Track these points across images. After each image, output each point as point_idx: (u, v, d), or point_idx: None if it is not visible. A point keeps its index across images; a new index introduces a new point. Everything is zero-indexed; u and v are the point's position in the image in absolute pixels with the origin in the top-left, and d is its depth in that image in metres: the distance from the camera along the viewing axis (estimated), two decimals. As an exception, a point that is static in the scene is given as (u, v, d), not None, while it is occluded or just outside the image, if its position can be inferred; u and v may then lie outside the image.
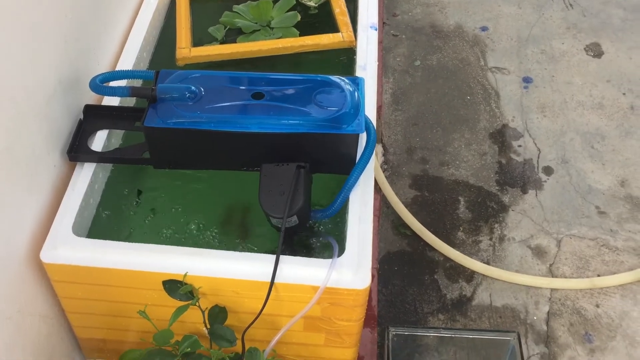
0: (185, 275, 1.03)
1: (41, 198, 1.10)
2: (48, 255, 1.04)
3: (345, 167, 1.16)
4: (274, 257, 1.05)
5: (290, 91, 1.15)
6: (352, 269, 1.06)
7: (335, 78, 1.18)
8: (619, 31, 2.37)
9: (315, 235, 1.17)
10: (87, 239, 1.07)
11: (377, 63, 1.43)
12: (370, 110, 1.25)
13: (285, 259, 1.05)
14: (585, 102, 2.12)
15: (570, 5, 2.48)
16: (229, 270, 1.05)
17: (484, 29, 2.39)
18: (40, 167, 1.09)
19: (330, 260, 1.06)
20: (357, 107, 1.14)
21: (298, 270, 1.05)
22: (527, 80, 2.20)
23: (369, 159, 1.17)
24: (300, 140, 1.11)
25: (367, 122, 1.17)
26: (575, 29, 2.38)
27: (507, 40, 2.34)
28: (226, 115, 1.11)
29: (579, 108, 2.10)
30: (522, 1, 2.51)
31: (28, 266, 1.07)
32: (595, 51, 2.30)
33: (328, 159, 1.15)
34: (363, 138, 1.19)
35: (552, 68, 2.23)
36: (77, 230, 1.08)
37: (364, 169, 1.16)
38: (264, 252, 1.08)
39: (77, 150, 1.17)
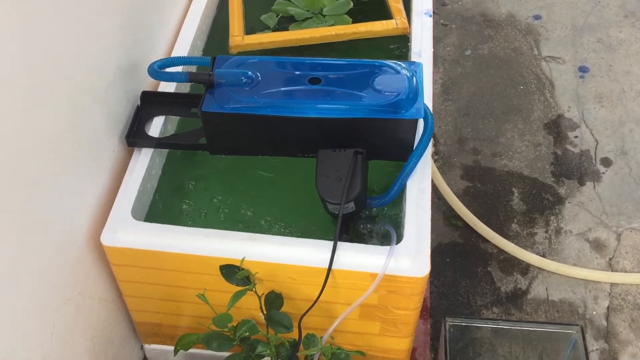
0: (242, 260, 1.03)
1: (101, 182, 1.11)
2: (108, 238, 1.05)
3: (402, 153, 1.14)
4: (331, 243, 1.03)
5: (348, 76, 1.14)
6: (410, 257, 1.04)
7: (392, 63, 1.16)
8: (681, 18, 2.27)
9: (371, 222, 1.15)
10: (146, 222, 1.08)
11: (432, 50, 1.41)
12: (427, 96, 1.23)
13: (342, 245, 1.04)
14: (645, 91, 2.04)
15: (628, -8, 2.39)
16: (286, 256, 1.04)
17: (537, 17, 2.33)
18: (100, 152, 1.11)
19: (388, 247, 1.04)
20: (416, 92, 1.12)
21: (355, 257, 1.04)
22: (583, 69, 2.13)
23: (427, 146, 1.15)
24: (358, 126, 1.09)
25: (425, 108, 1.15)
26: (633, 17, 2.30)
27: (561, 29, 2.28)
28: (283, 100, 1.10)
29: (638, 98, 2.02)
30: (577, -12, 2.43)
31: (88, 249, 1.08)
32: (655, 39, 2.21)
33: (385, 145, 1.14)
34: (420, 124, 1.16)
35: (610, 57, 2.16)
36: (135, 215, 1.08)
37: (422, 155, 1.14)
38: (320, 239, 1.07)
39: (135, 135, 1.18)
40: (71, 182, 1.02)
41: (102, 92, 1.10)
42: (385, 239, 1.11)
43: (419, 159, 1.14)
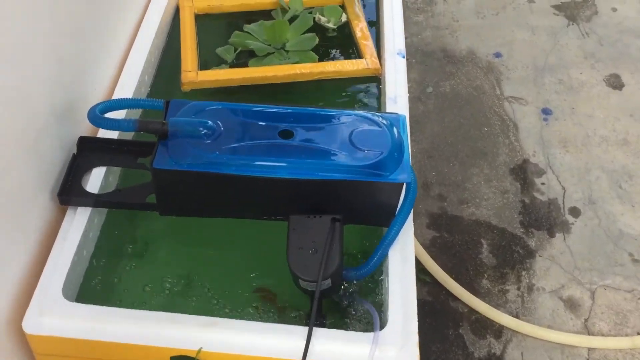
0: (199, 351, 0.86)
1: (26, 250, 0.92)
2: (32, 324, 0.86)
3: (383, 218, 1.00)
4: (304, 329, 0.88)
5: (324, 129, 0.99)
6: (396, 345, 0.90)
7: (373, 115, 1.03)
8: (638, 62, 2.26)
9: (347, 297, 1.00)
10: (80, 304, 0.89)
11: (407, 95, 1.28)
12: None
13: (318, 332, 0.89)
14: (609, 137, 2.00)
15: (586, 33, 2.37)
16: (252, 345, 0.88)
17: (497, 55, 2.27)
18: (27, 213, 0.91)
19: (371, 334, 0.89)
20: (400, 150, 0.99)
21: (334, 346, 0.89)
22: (546, 111, 2.07)
23: (410, 210, 1.01)
24: (336, 189, 0.95)
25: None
26: (592, 58, 2.27)
27: (522, 68, 2.22)
28: (249, 157, 0.95)
29: (603, 143, 1.98)
30: (536, 27, 2.39)
31: (7, 335, 0.88)
32: (615, 83, 2.18)
33: (365, 209, 1.00)
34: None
35: (572, 99, 2.11)
36: (67, 292, 0.90)
37: (405, 221, 1.00)
38: (290, 322, 0.92)
39: (69, 192, 0.99)
40: (-13, 255, 0.82)
41: (31, 140, 0.91)
42: (365, 320, 0.96)
43: (402, 226, 1.00)
